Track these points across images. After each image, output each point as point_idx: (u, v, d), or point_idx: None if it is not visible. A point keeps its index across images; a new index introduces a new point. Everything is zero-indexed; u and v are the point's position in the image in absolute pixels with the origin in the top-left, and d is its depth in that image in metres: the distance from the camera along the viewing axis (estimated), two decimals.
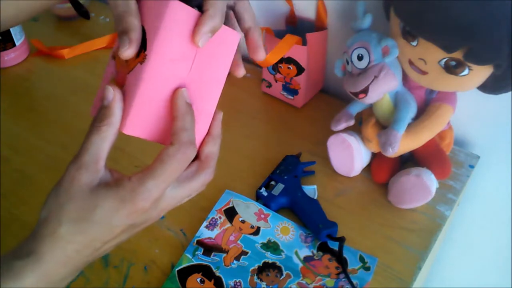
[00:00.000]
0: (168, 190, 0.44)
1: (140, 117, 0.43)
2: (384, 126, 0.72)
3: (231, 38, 0.46)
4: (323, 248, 0.68)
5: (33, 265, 0.40)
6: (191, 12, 0.43)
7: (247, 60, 0.97)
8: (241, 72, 0.49)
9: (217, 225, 0.70)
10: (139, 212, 0.42)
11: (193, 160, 0.46)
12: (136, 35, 0.42)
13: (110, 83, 0.44)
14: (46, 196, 0.39)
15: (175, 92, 0.44)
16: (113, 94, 0.42)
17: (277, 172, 0.75)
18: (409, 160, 0.75)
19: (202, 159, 0.47)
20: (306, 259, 0.67)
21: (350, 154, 0.73)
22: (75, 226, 0.41)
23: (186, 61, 0.44)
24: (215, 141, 0.48)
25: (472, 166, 0.78)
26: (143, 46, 0.43)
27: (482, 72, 0.62)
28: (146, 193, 0.42)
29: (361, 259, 0.66)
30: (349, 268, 0.65)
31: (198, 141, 0.47)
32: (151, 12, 0.43)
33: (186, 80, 0.45)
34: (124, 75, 0.44)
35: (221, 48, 0.46)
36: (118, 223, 0.42)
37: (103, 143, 0.42)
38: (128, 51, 0.42)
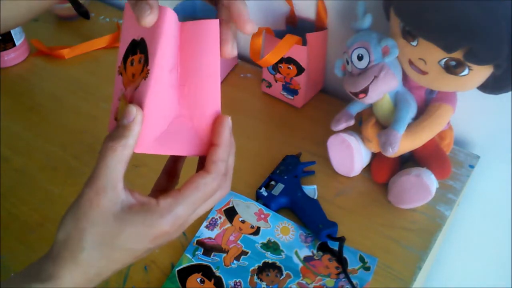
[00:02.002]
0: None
1: (148, 134, 0.42)
2: (384, 126, 0.72)
3: (210, 27, 0.43)
4: (323, 248, 0.68)
5: None
6: (177, 20, 0.42)
7: (247, 60, 0.97)
8: (249, 27, 0.43)
9: (217, 225, 0.70)
10: (164, 236, 0.42)
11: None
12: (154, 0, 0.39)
13: (123, 101, 0.43)
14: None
15: (219, 119, 0.43)
16: (135, 114, 0.40)
17: (277, 172, 0.75)
18: (409, 160, 0.75)
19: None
20: (306, 259, 0.67)
21: (350, 154, 0.73)
22: (98, 251, 0.40)
23: (176, 69, 0.43)
24: (226, 151, 0.45)
25: (472, 166, 0.78)
26: (146, 61, 0.42)
27: (482, 72, 0.62)
28: (174, 219, 0.41)
29: (361, 259, 0.66)
30: (349, 268, 0.65)
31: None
32: None
33: (180, 89, 0.44)
34: (132, 91, 0.43)
35: (203, 43, 0.44)
36: (142, 247, 0.42)
37: (119, 165, 0.40)
38: (150, 17, 0.39)
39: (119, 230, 0.40)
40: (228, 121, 0.43)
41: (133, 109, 0.40)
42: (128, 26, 0.46)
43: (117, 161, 0.40)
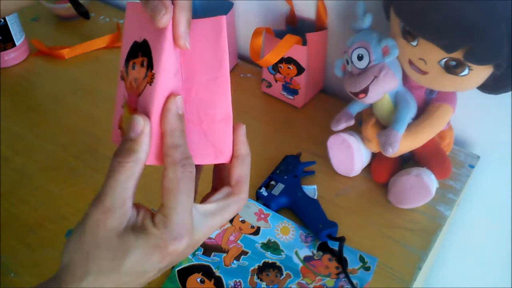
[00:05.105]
0: (201, 221, 0.40)
1: (158, 144, 0.39)
2: (384, 126, 0.72)
3: (216, 25, 0.41)
4: (323, 248, 0.68)
5: None
6: None
7: (247, 60, 0.97)
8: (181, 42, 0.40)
9: None
10: (173, 255, 0.39)
11: (223, 185, 0.43)
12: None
13: (126, 109, 0.40)
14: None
15: (165, 103, 0.39)
16: (142, 126, 0.37)
17: (277, 172, 0.75)
18: (409, 160, 0.75)
19: (232, 184, 0.42)
20: (306, 259, 0.67)
21: (350, 154, 0.73)
22: (104, 276, 0.37)
23: (179, 72, 0.41)
24: (244, 161, 0.42)
25: (472, 166, 0.78)
26: (149, 64, 0.39)
27: (482, 72, 0.62)
28: (175, 232, 0.38)
29: (361, 259, 0.66)
30: (349, 268, 0.65)
31: (227, 149, 0.42)
32: (150, 22, 0.39)
33: (186, 92, 0.41)
34: (135, 98, 0.40)
35: (209, 43, 0.41)
36: (151, 268, 0.39)
37: (129, 181, 0.37)
38: (165, 17, 0.37)
39: (123, 253, 0.37)
40: (170, 104, 0.39)
41: (140, 120, 0.37)
42: (130, 28, 0.43)
43: (128, 177, 0.37)
